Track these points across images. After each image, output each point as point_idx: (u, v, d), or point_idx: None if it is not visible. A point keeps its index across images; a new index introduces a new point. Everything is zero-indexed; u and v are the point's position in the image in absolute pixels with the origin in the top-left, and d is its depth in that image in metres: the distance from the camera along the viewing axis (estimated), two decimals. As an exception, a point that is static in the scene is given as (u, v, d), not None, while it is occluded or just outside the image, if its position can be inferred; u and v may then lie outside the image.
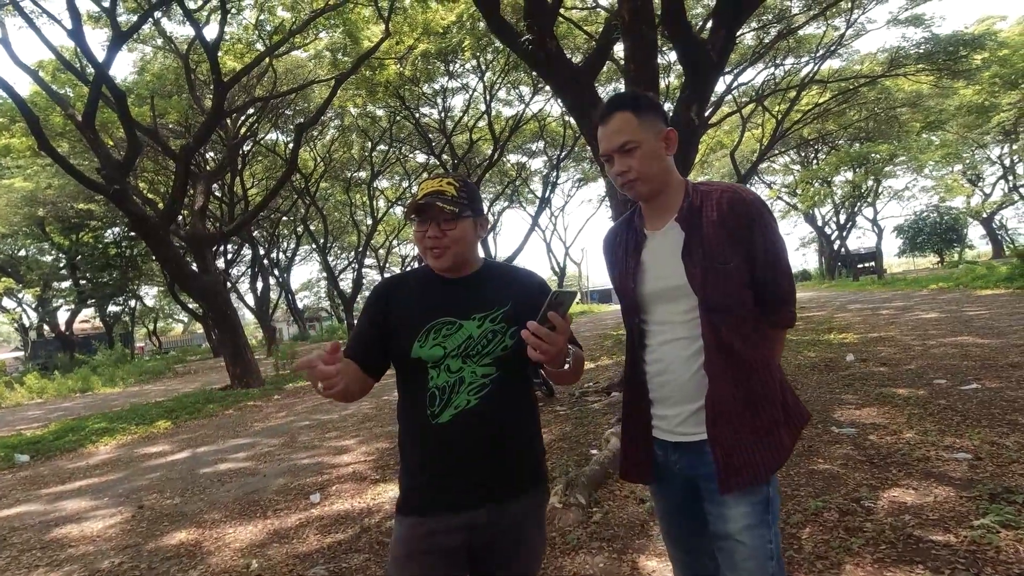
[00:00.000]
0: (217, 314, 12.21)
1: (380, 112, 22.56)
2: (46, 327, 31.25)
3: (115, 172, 10.74)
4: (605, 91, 19.04)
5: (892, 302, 15.00)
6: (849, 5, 15.71)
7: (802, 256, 52.86)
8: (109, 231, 28.56)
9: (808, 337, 9.15)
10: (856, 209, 33.94)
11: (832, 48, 17.56)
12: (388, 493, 4.10)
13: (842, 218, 34.84)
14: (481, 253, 1.60)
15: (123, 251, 28.41)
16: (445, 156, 23.57)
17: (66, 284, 30.43)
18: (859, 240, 40.85)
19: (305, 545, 3.35)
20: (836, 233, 35.95)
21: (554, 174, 27.30)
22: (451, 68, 19.61)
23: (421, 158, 27.89)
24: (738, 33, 11.62)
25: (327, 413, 8.00)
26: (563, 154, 24.80)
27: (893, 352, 7.07)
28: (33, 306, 31.74)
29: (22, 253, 30.48)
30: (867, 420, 4.34)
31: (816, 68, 18.32)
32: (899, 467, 3.34)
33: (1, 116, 15.27)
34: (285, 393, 10.79)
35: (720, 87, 18.94)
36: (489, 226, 1.57)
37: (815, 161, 31.26)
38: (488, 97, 20.93)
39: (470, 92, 21.58)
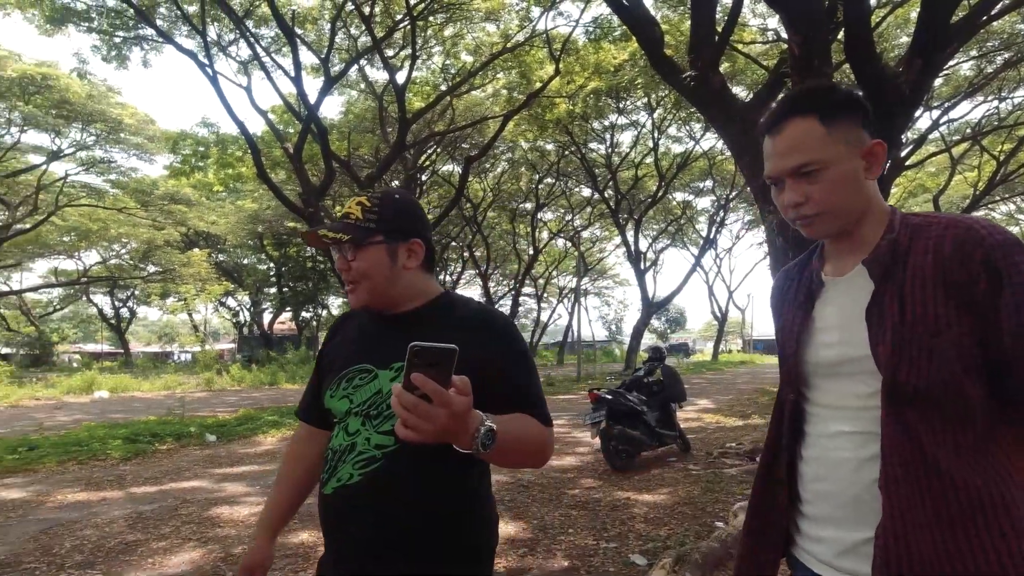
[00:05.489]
0: (380, 329, 13.30)
1: (549, 147, 23.34)
2: (256, 326, 36.70)
3: (311, 196, 12.28)
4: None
5: None
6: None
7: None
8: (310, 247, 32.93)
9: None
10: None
11: (1080, 79, 14.63)
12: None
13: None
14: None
15: (317, 265, 32.44)
16: (609, 191, 23.58)
17: (273, 290, 35.56)
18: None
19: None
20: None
21: (721, 214, 25.95)
22: (621, 105, 19.70)
23: (586, 192, 28.25)
24: (948, 64, 10.16)
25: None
26: (732, 194, 23.50)
27: None
28: (247, 307, 37.56)
29: (245, 262, 36.34)
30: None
31: (1057, 102, 15.38)
32: None
33: (238, 149, 18.35)
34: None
35: (924, 122, 16.73)
36: (423, 251, 1.20)
37: (1054, 211, 26.09)
38: (656, 134, 20.65)
39: (639, 128, 21.46)
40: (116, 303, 38.15)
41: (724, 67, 14.27)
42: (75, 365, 29.05)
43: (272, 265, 34.30)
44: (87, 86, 19.36)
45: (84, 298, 38.15)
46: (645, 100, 19.11)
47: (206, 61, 11.71)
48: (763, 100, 7.09)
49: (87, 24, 12.62)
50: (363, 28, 12.86)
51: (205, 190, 23.66)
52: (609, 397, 5.76)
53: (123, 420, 9.48)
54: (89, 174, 24.56)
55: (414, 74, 14.77)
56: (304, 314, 36.10)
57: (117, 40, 13.15)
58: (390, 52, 14.39)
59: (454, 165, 24.30)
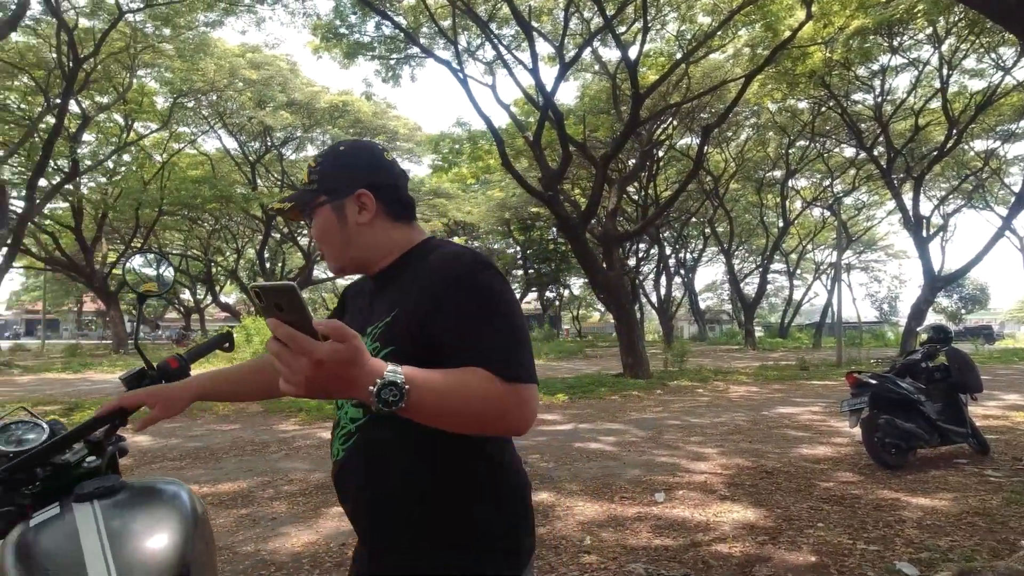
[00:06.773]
0: (617, 307, 13.48)
1: (802, 104, 20.86)
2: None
3: (550, 181, 12.92)
4: None
5: None
6: None
7: None
8: (552, 230, 34.81)
9: None
10: None
11: None
12: (732, 514, 3.88)
13: None
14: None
15: (559, 247, 34.06)
16: (879, 148, 20.17)
17: (519, 272, 38.46)
18: None
19: (635, 539, 3.49)
20: None
21: (1047, 161, 20.32)
22: (895, 42, 16.63)
23: (848, 152, 24.63)
24: None
25: (699, 416, 7.97)
26: (1067, 133, 18.20)
27: None
28: (497, 288, 41.62)
29: (495, 246, 39.95)
30: None
31: None
32: None
33: (486, 143, 20.16)
34: (667, 389, 11.18)
35: None
36: (374, 201, 1.02)
37: None
38: (946, 70, 16.95)
39: (919, 67, 17.87)
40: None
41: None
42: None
43: (518, 249, 37.01)
44: (372, 105, 23.36)
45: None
46: (929, 31, 15.83)
47: (458, 67, 13.07)
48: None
49: (371, 53, 15.05)
50: (595, 9, 12.97)
51: (460, 183, 26.55)
52: (873, 382, 5.02)
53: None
54: (375, 179, 29.83)
55: (647, 46, 14.42)
56: (548, 294, 38.34)
57: (392, 62, 15.43)
58: (622, 28, 14.28)
59: (692, 137, 23.21)
